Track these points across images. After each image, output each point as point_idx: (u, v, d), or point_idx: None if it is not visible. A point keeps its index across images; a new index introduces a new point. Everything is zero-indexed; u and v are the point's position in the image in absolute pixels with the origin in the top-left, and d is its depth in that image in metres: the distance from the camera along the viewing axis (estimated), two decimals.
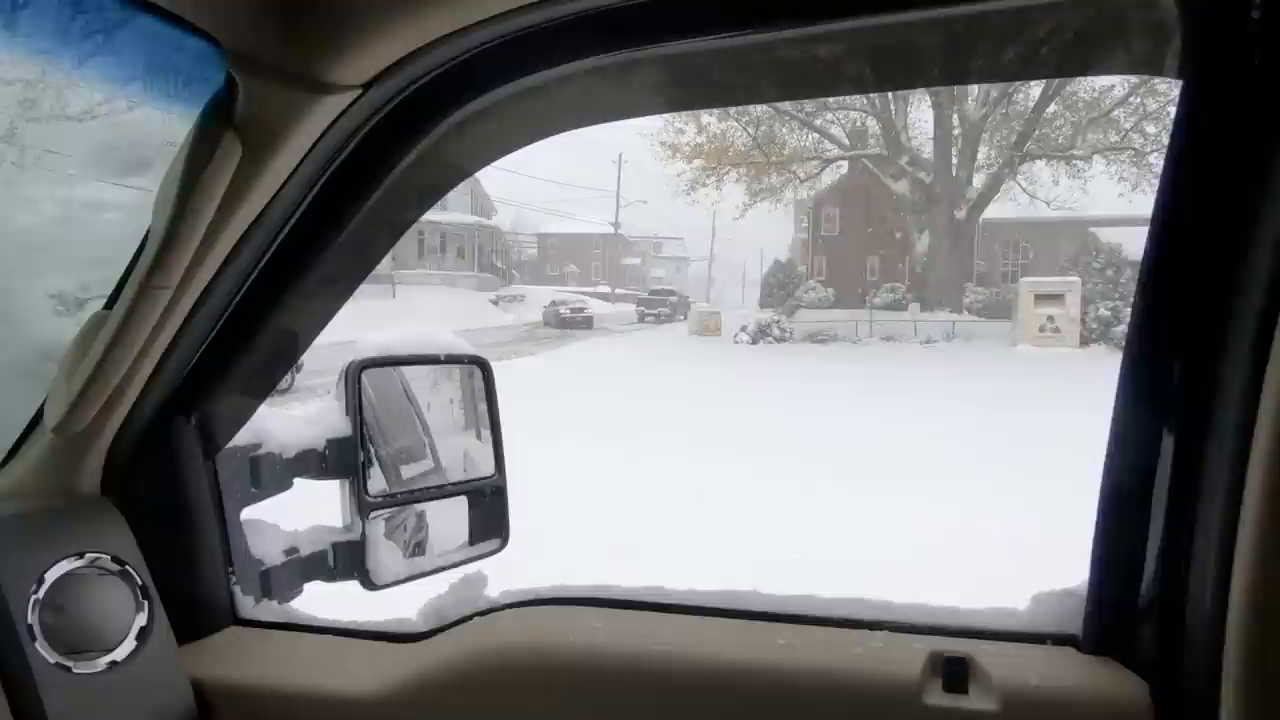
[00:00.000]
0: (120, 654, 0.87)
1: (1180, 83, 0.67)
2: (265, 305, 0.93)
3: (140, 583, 0.91)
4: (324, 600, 1.15)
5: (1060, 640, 0.85)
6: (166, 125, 0.73)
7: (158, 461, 0.98)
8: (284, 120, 0.75)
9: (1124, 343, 0.75)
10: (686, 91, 0.94)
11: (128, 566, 0.91)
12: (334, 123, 0.79)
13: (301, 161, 0.81)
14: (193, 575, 1.01)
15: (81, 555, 0.88)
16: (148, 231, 0.81)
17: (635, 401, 11.63)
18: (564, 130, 0.94)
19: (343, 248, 0.91)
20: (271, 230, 0.87)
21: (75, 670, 0.83)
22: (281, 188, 0.82)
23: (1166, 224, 0.70)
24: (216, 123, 0.71)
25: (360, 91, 0.77)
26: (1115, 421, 0.77)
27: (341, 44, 0.72)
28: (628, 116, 0.94)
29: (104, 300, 0.88)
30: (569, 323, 31.38)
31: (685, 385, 13.45)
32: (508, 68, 0.79)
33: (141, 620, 0.90)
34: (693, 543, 5.19)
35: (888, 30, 0.75)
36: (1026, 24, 0.75)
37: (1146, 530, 0.77)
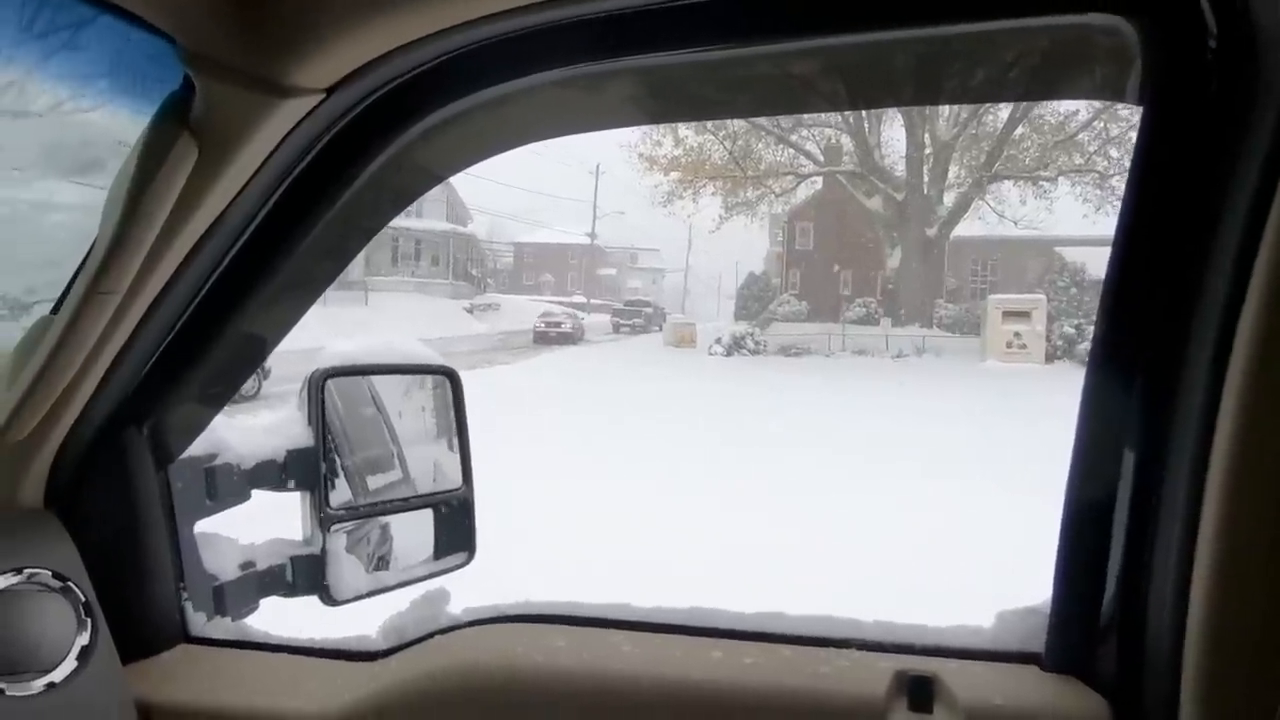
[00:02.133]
0: (59, 675, 0.83)
1: (1141, 108, 0.68)
2: (223, 312, 0.90)
3: (83, 599, 0.87)
4: (295, 618, 1.12)
5: (1024, 658, 0.85)
6: (119, 124, 0.70)
7: (106, 472, 0.94)
8: (243, 123, 0.73)
9: (1086, 361, 0.76)
10: (658, 104, 0.93)
11: (70, 583, 0.87)
12: (296, 126, 0.77)
13: (262, 165, 0.79)
14: (141, 591, 0.97)
15: (19, 571, 0.84)
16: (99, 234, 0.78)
17: (605, 414, 11.61)
18: (534, 140, 0.93)
19: (306, 254, 0.89)
20: (230, 235, 0.84)
21: (9, 693, 0.79)
22: (241, 192, 0.80)
23: (1128, 245, 0.71)
24: (172, 123, 0.69)
25: (324, 95, 0.75)
26: (1077, 442, 0.77)
27: (304, 46, 0.70)
28: (599, 128, 0.94)
29: (51, 304, 0.85)
30: (546, 338, 30.41)
31: (656, 400, 13.44)
32: (477, 75, 0.78)
33: (83, 639, 0.86)
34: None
35: (860, 49, 0.76)
36: (994, 47, 0.76)
37: (1108, 549, 0.77)
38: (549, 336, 30.00)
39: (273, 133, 0.76)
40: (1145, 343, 0.72)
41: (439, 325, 29.19)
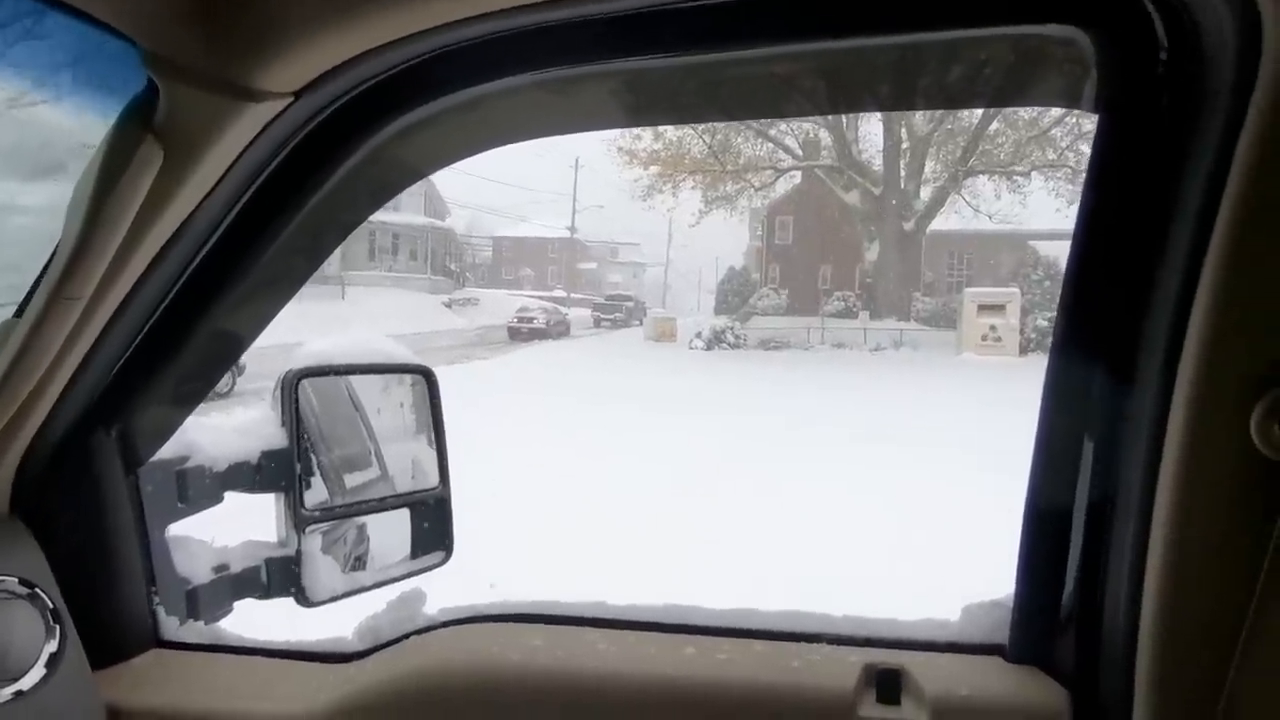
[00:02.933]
0: (27, 683, 0.82)
1: (1097, 115, 0.70)
2: (192, 314, 0.90)
3: (51, 606, 0.86)
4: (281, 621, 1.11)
5: (988, 650, 0.88)
6: (82, 126, 0.69)
7: (74, 477, 0.93)
8: (209, 127, 0.72)
9: (1041, 361, 0.78)
10: (635, 108, 0.94)
11: (37, 589, 0.86)
12: (264, 130, 0.76)
13: (230, 168, 0.78)
14: (111, 596, 0.96)
15: None
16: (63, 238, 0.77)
17: (582, 408, 11.65)
18: (510, 142, 0.94)
19: (275, 255, 0.88)
20: (198, 238, 0.83)
21: None
22: (208, 196, 0.79)
23: (1085, 246, 0.74)
24: (136, 127, 0.68)
25: (291, 99, 0.75)
26: (1038, 439, 0.80)
27: (271, 50, 0.69)
28: (576, 131, 0.94)
29: (14, 309, 0.83)
30: (519, 334, 29.79)
31: (636, 396, 13.50)
32: (448, 78, 0.78)
33: (52, 646, 0.85)
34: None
35: (831, 56, 0.78)
36: (960, 55, 0.78)
37: (1068, 544, 0.80)
38: (521, 333, 29.61)
39: (240, 136, 0.75)
40: (1102, 342, 0.74)
41: (417, 320, 28.91)
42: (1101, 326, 0.74)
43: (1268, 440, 0.61)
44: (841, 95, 0.86)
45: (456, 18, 0.69)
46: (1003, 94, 0.85)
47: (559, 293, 48.56)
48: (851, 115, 26.96)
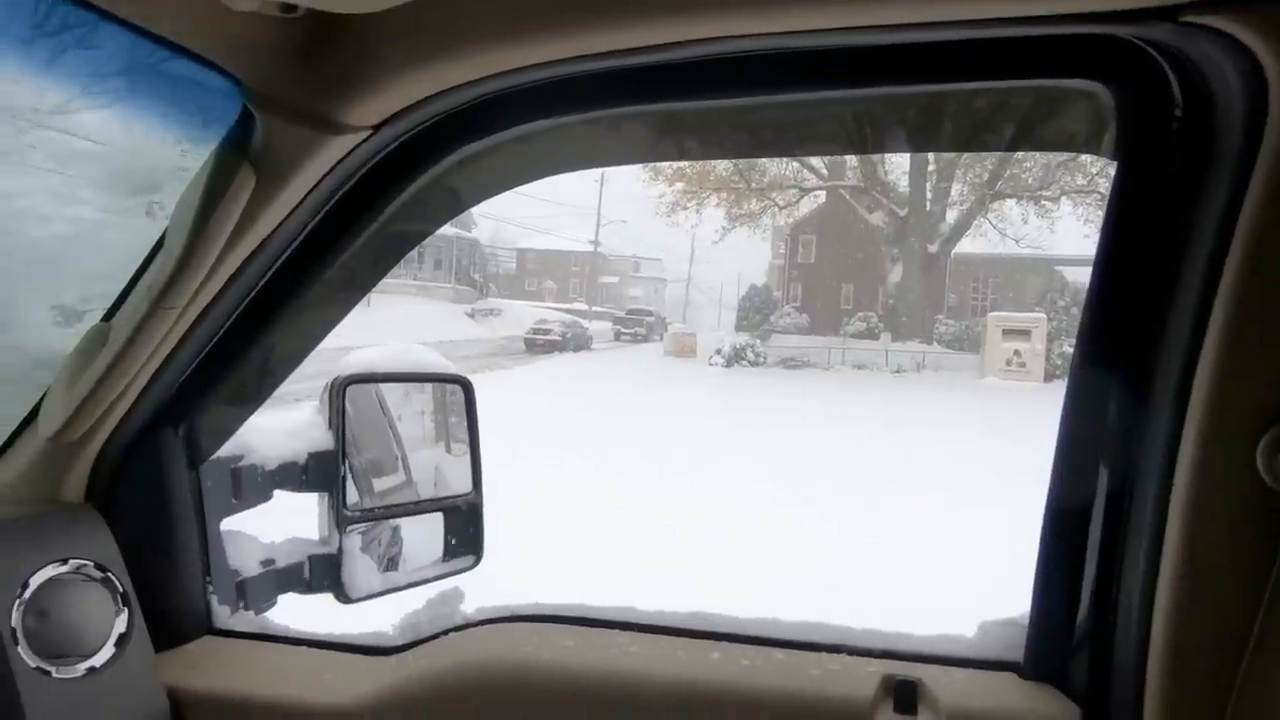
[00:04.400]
0: (99, 660, 0.88)
1: (1116, 163, 0.75)
2: (260, 324, 0.96)
3: (121, 590, 0.93)
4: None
5: (1003, 666, 0.91)
6: (180, 151, 0.76)
7: (143, 470, 0.99)
8: (296, 156, 0.79)
9: (1065, 387, 0.82)
10: (673, 144, 1.00)
11: (110, 573, 0.92)
12: (343, 159, 0.83)
13: (309, 193, 0.85)
14: (171, 584, 1.02)
15: (65, 561, 0.89)
16: (152, 249, 0.84)
17: (599, 423, 11.65)
18: (558, 173, 1.00)
19: (337, 274, 0.95)
20: (273, 255, 0.90)
21: (55, 675, 0.84)
22: (287, 217, 0.86)
23: (1102, 282, 0.78)
24: (234, 154, 0.75)
25: (370, 132, 0.82)
26: (1056, 462, 0.83)
27: (358, 89, 0.76)
28: (619, 164, 1.00)
29: (101, 313, 0.91)
30: (534, 345, 29.91)
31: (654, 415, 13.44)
32: (506, 116, 0.85)
33: (121, 626, 0.91)
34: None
35: (864, 101, 0.83)
36: (987, 103, 0.83)
37: (1083, 564, 0.83)
38: (538, 344, 29.61)
39: (322, 164, 0.82)
40: (1117, 373, 0.78)
41: (440, 329, 29.19)
42: (1117, 359, 0.78)
43: (1271, 471, 0.64)
44: (867, 138, 0.92)
45: (516, 65, 0.76)
46: (1024, 139, 0.90)
47: (580, 305, 48.75)
48: None
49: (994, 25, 0.67)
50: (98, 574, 0.91)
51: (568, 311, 40.65)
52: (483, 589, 1.13)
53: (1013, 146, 0.82)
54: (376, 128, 0.82)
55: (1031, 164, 26.50)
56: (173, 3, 0.59)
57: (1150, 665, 0.72)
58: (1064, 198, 25.74)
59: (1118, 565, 0.79)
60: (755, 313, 31.68)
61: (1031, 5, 0.65)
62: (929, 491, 7.96)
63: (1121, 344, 0.77)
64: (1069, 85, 0.75)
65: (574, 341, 30.94)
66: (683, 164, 27.76)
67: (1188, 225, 0.70)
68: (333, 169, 0.84)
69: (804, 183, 29.48)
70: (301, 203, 0.85)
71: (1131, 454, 0.77)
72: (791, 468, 9.07)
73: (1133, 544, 0.76)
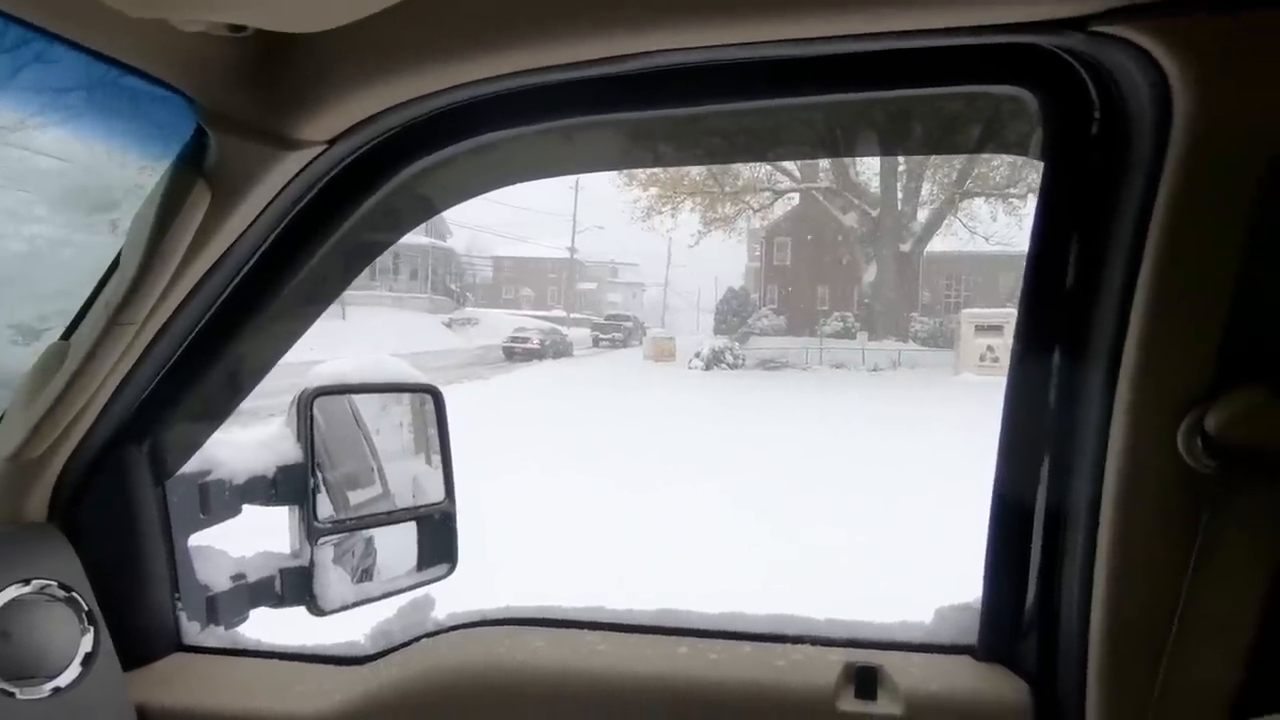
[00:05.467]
0: (64, 680, 0.88)
1: (1043, 163, 0.79)
2: (221, 339, 0.97)
3: (86, 609, 0.92)
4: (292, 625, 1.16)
5: (959, 650, 0.94)
6: (138, 171, 0.77)
7: (107, 488, 0.99)
8: (251, 171, 0.80)
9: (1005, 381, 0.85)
10: (631, 153, 1.03)
11: (74, 593, 0.92)
12: (299, 174, 0.85)
13: (266, 208, 0.86)
14: (139, 601, 1.02)
15: (28, 582, 0.89)
16: (109, 267, 0.85)
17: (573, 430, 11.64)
18: (517, 182, 1.02)
19: (299, 287, 0.96)
20: (232, 270, 0.91)
21: (19, 696, 0.84)
22: (245, 232, 0.87)
23: (1036, 276, 0.82)
24: (188, 172, 0.76)
25: (325, 147, 0.83)
26: (1000, 452, 0.87)
27: (310, 105, 0.78)
28: (577, 173, 1.03)
29: (60, 331, 0.90)
30: (513, 354, 29.98)
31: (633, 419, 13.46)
32: (463, 128, 0.87)
33: (87, 646, 0.91)
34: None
35: (814, 109, 0.87)
36: (926, 109, 0.88)
37: (1029, 550, 0.87)
38: (516, 353, 29.71)
39: (277, 179, 0.83)
40: (1053, 362, 0.82)
41: (416, 340, 28.98)
42: (1052, 352, 0.82)
43: (1192, 453, 0.68)
44: (821, 142, 0.95)
45: (470, 79, 0.78)
46: (962, 143, 0.94)
47: (558, 313, 48.66)
48: None
49: (930, 35, 0.71)
50: (62, 593, 0.91)
51: (546, 319, 40.55)
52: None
53: (954, 150, 0.86)
54: (331, 142, 0.83)
55: (999, 163, 27.00)
56: (122, 23, 0.60)
57: (1091, 643, 0.76)
58: (1030, 195, 26.20)
59: (1060, 550, 0.83)
60: (733, 315, 31.87)
61: (960, 17, 0.68)
62: (908, 478, 8.08)
63: (1055, 338, 0.81)
64: (1000, 91, 0.79)
65: (553, 349, 30.97)
66: (656, 169, 28.01)
67: (1109, 224, 0.74)
68: (289, 183, 0.85)
69: (777, 185, 29.75)
70: (258, 217, 0.86)
71: (1068, 443, 0.81)
72: (774, 468, 9.15)
73: (1072, 529, 0.80)
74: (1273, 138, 0.64)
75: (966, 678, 0.90)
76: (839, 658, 0.93)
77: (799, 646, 0.96)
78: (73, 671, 0.89)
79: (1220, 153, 0.65)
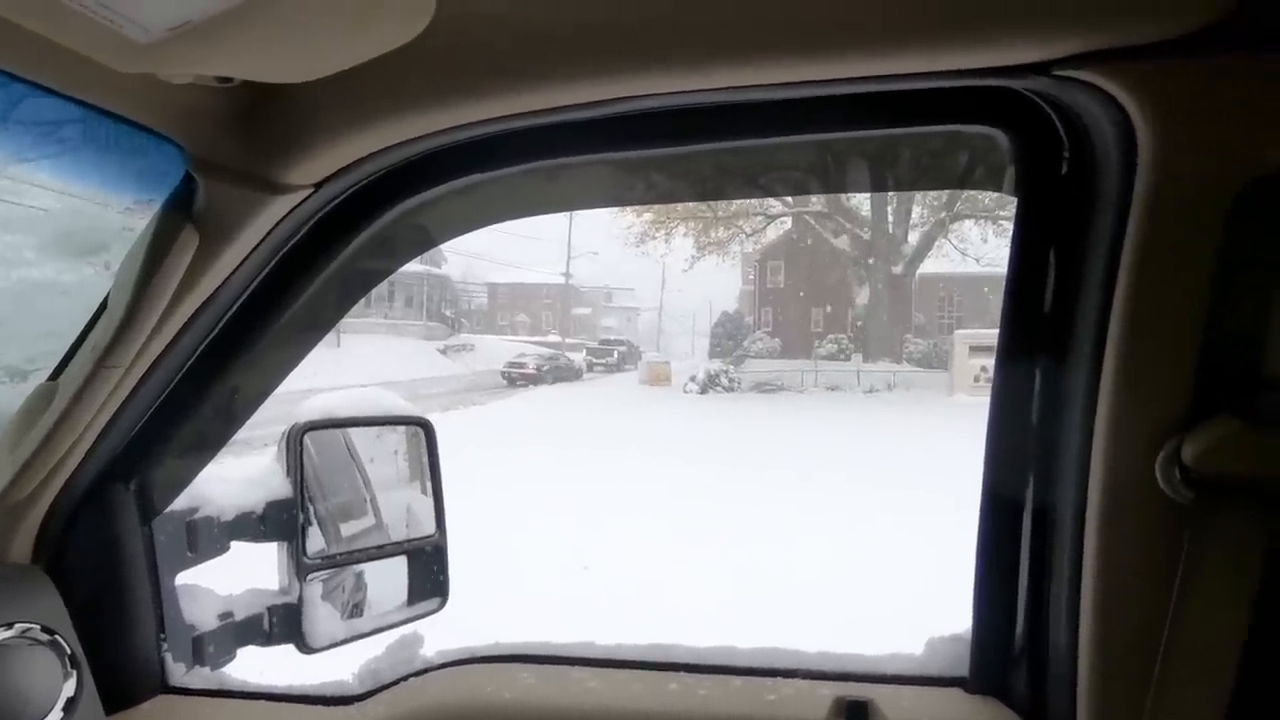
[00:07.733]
0: None
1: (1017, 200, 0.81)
2: (210, 378, 0.97)
3: (69, 652, 0.91)
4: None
5: (951, 682, 0.94)
6: (126, 212, 0.78)
7: (92, 528, 0.98)
8: (239, 215, 0.81)
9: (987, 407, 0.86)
10: (612, 192, 1.05)
11: (57, 636, 0.91)
12: (285, 217, 0.86)
13: (253, 250, 0.87)
14: (124, 643, 1.01)
15: (10, 625, 0.88)
16: (98, 309, 0.85)
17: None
18: (501, 221, 1.03)
19: (286, 326, 0.96)
20: (218, 313, 0.92)
21: None
22: (231, 275, 0.88)
23: (1014, 306, 0.84)
24: (177, 216, 0.77)
25: (312, 190, 0.85)
26: (985, 480, 0.87)
27: (297, 151, 0.79)
28: (562, 211, 1.04)
29: (48, 372, 0.91)
30: (512, 380, 30.22)
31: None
32: (449, 170, 0.88)
33: (69, 691, 0.90)
34: None
35: (793, 148, 0.89)
36: (904, 148, 0.90)
37: (1017, 579, 0.87)
38: (514, 379, 30.03)
39: (265, 222, 0.84)
40: (1034, 390, 0.83)
41: (412, 367, 28.96)
42: (1032, 381, 0.83)
43: (1169, 482, 0.69)
44: (801, 179, 0.98)
45: (453, 124, 0.80)
46: (941, 179, 0.97)
47: (554, 338, 48.71)
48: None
49: (907, 79, 0.73)
50: (44, 637, 0.90)
51: (541, 344, 40.62)
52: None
53: (932, 186, 0.89)
54: (318, 186, 0.84)
55: None
56: (112, 76, 0.62)
57: (1080, 673, 0.76)
58: None
59: (1047, 579, 0.83)
60: (728, 339, 31.95)
61: (933, 62, 0.71)
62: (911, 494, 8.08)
63: (1035, 366, 0.82)
64: (975, 131, 0.81)
65: (552, 374, 31.11)
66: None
67: (1081, 258, 0.76)
68: (276, 226, 0.86)
69: (769, 210, 30.03)
70: (245, 261, 0.87)
71: (1051, 471, 0.81)
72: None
73: (1057, 557, 0.81)
74: (1236, 175, 0.66)
75: (959, 710, 0.89)
76: (830, 692, 0.92)
77: (790, 681, 0.96)
78: (54, 716, 0.88)
79: (1185, 190, 0.67)
